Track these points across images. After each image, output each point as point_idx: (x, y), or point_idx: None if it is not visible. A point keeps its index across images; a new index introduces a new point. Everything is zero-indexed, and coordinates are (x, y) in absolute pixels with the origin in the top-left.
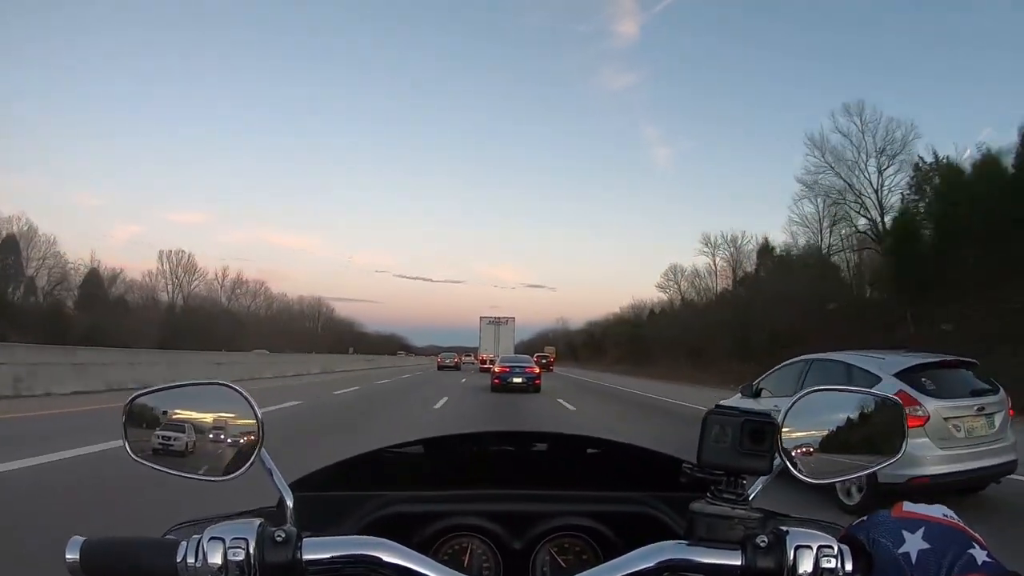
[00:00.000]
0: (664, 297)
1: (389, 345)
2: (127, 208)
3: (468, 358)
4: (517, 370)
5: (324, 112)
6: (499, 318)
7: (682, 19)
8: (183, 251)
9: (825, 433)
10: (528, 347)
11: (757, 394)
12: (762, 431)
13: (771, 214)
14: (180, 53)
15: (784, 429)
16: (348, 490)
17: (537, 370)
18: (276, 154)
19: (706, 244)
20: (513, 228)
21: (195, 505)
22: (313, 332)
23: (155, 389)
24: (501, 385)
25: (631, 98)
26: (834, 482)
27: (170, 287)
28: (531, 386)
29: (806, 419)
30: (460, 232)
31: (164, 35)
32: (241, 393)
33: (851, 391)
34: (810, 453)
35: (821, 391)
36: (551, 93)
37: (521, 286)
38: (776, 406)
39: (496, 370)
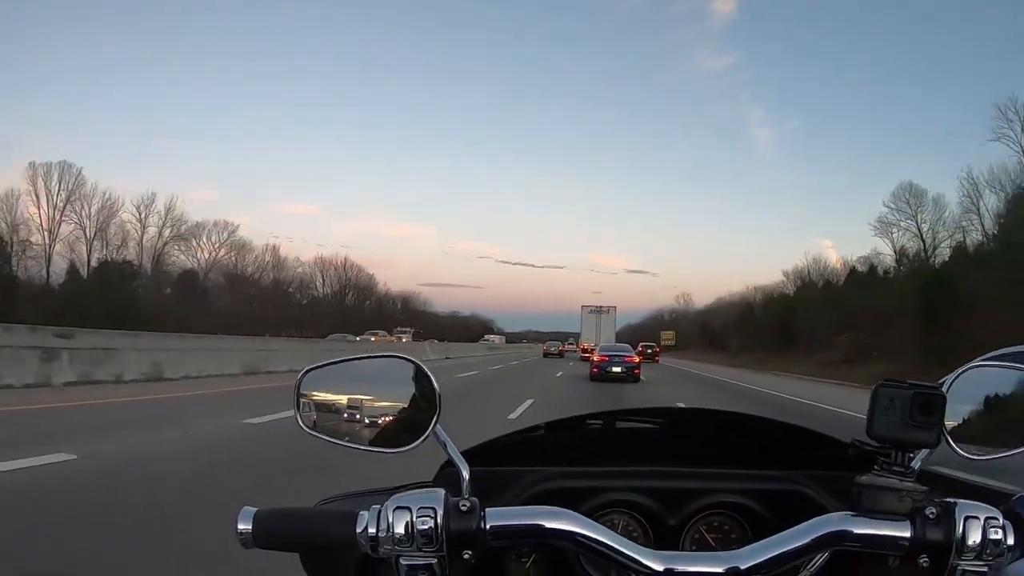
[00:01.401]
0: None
1: (473, 329)
2: (240, 201)
3: (571, 346)
4: (616, 359)
5: (430, 104)
6: (600, 307)
7: None
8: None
9: (987, 408)
10: (635, 334)
11: None
12: (932, 403)
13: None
14: (299, 55)
15: (948, 403)
16: (506, 466)
17: (637, 359)
18: (380, 146)
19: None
20: (614, 213)
21: (332, 482)
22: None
23: (329, 362)
24: (600, 375)
25: (731, 79)
26: (993, 459)
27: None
28: (630, 375)
29: (969, 393)
30: (562, 218)
31: (280, 38)
32: (419, 365)
33: (1015, 367)
34: (971, 428)
35: (986, 366)
36: (649, 75)
37: (623, 271)
38: None
39: (595, 359)
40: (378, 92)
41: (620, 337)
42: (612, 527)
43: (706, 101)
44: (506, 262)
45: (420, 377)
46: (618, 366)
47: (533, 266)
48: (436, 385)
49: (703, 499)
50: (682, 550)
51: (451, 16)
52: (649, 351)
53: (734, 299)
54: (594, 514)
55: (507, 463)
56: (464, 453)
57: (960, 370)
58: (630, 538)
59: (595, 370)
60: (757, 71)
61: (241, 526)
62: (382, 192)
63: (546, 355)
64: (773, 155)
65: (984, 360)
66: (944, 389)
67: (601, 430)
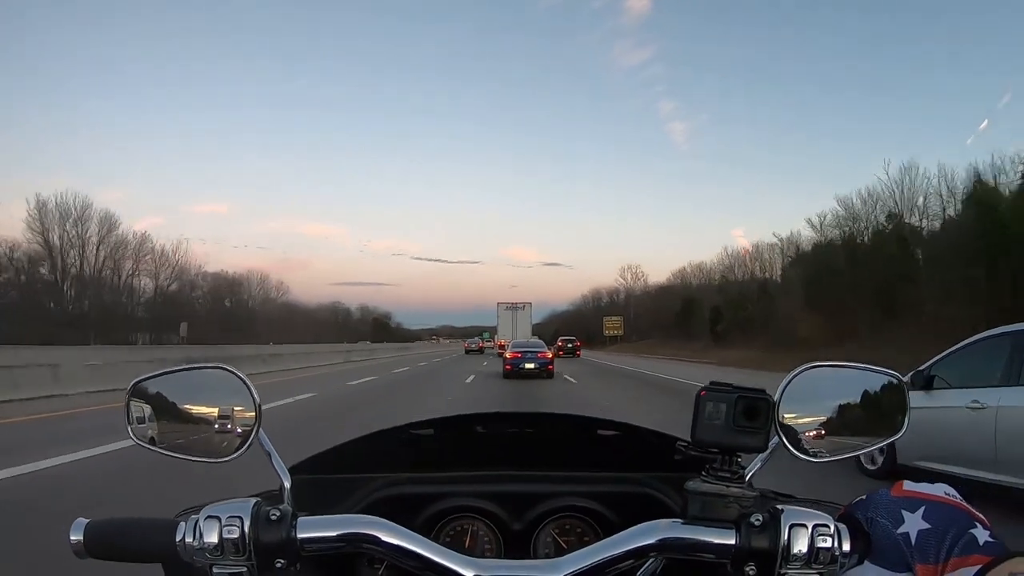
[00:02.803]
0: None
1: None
2: (148, 202)
3: (488, 343)
4: (529, 355)
5: (338, 101)
6: (516, 303)
7: None
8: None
9: (824, 410)
10: (565, 325)
11: (928, 384)
12: (756, 407)
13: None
14: (198, 51)
15: (782, 406)
16: (350, 472)
17: (550, 355)
18: (291, 145)
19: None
20: (528, 208)
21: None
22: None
23: (156, 374)
24: (513, 371)
25: (645, 73)
26: (831, 461)
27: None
28: (544, 371)
29: (805, 396)
30: (475, 214)
31: (184, 33)
32: (239, 376)
33: (852, 367)
34: (809, 431)
35: (820, 367)
36: (565, 71)
37: (538, 264)
38: (976, 403)
39: (507, 356)
40: (289, 88)
41: (547, 329)
42: (462, 533)
43: (621, 95)
44: (420, 258)
45: (242, 387)
46: (531, 362)
47: (447, 262)
48: (256, 395)
49: (550, 503)
50: (533, 555)
51: (361, 6)
52: (570, 345)
53: (672, 283)
54: (440, 520)
55: (358, 469)
56: (308, 461)
57: (794, 372)
58: (481, 544)
59: (508, 367)
60: (670, 66)
61: (73, 537)
62: (297, 192)
63: (467, 351)
64: (686, 147)
65: (818, 363)
66: (777, 392)
67: (458, 435)
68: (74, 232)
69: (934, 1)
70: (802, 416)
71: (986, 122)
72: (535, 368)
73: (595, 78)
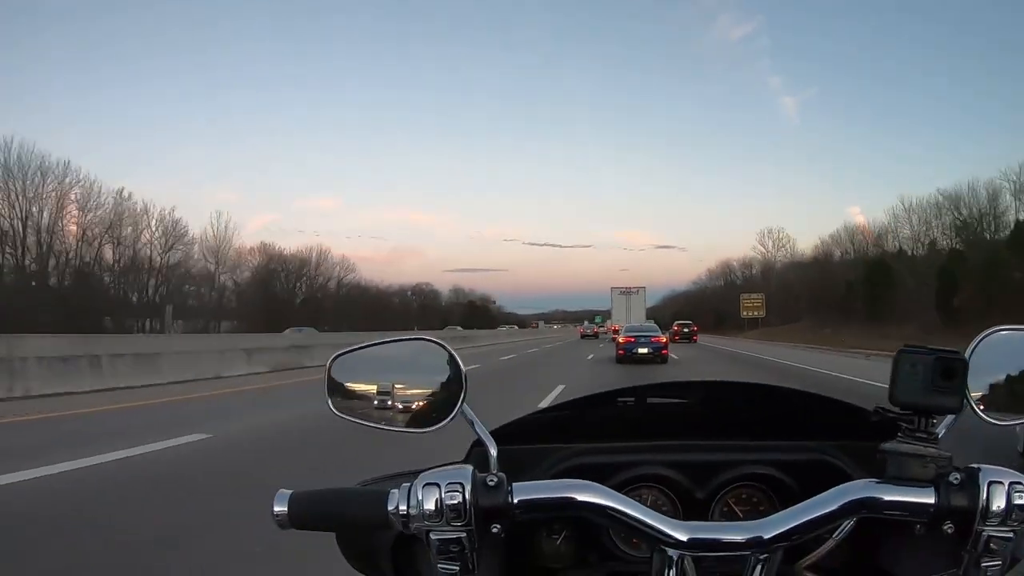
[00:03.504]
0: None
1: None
2: (260, 199)
3: (601, 328)
4: (643, 340)
5: (448, 89)
6: (629, 288)
7: None
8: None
9: (1009, 373)
10: (680, 308)
11: None
12: (953, 367)
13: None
14: (314, 48)
15: (970, 369)
16: (534, 443)
17: (664, 339)
18: (403, 135)
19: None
20: (640, 190)
21: (377, 466)
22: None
23: (357, 347)
24: (626, 356)
25: (751, 47)
26: (1018, 423)
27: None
28: (658, 356)
29: (990, 359)
30: (585, 198)
31: (300, 29)
32: (444, 347)
33: None
34: (993, 394)
35: (1005, 330)
36: (670, 47)
37: (651, 247)
38: None
39: (620, 340)
40: (396, 77)
41: (664, 312)
42: (641, 501)
43: (728, 69)
44: (533, 243)
45: (446, 358)
46: (645, 347)
47: (559, 246)
48: (462, 365)
49: (730, 472)
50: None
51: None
52: (686, 330)
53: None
54: (623, 489)
55: (536, 441)
56: (493, 433)
57: (982, 335)
58: (659, 511)
59: (620, 352)
60: (776, 39)
61: (277, 508)
62: (404, 180)
63: (583, 336)
64: (797, 122)
65: (1006, 327)
66: (966, 355)
67: (629, 406)
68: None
69: None
70: (987, 379)
71: None
72: (649, 353)
73: (698, 53)
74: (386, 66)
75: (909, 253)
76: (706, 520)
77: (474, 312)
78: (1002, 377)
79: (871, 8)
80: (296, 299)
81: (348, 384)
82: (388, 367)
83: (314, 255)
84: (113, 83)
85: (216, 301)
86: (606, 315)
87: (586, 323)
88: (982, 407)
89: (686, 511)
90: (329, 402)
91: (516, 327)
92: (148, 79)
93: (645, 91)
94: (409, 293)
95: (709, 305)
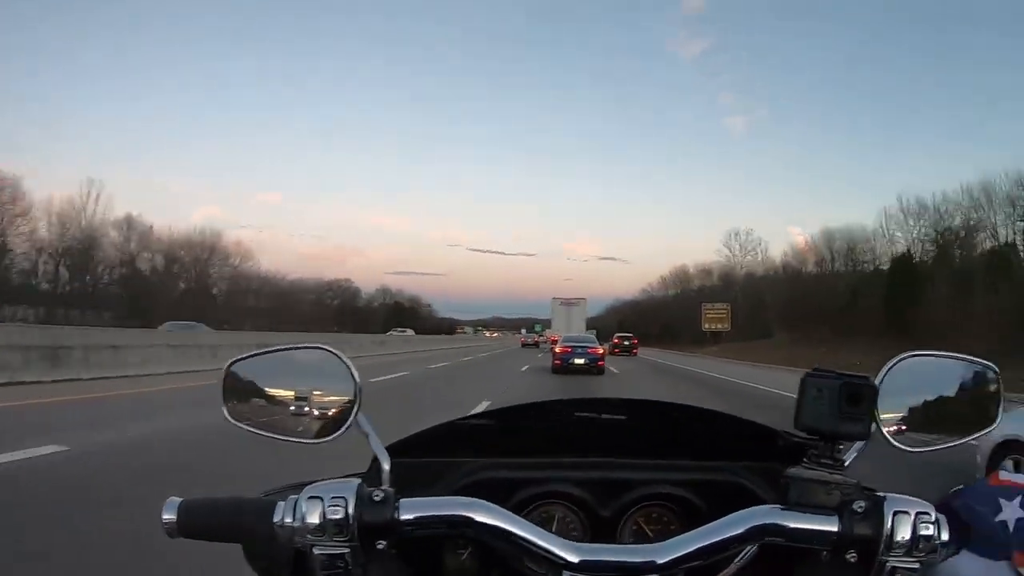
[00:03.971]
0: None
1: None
2: (208, 191)
3: (541, 337)
4: (579, 350)
5: (399, 91)
6: (571, 299)
7: None
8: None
9: (919, 399)
10: (605, 321)
11: None
12: (861, 394)
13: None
14: (276, 47)
15: (880, 394)
16: (437, 457)
17: (601, 351)
18: (351, 134)
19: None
20: (586, 202)
21: (289, 474)
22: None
23: (253, 354)
24: (562, 366)
25: (703, 65)
26: (928, 451)
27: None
28: (594, 368)
29: (902, 384)
30: (533, 207)
31: (243, 26)
32: (339, 356)
33: (948, 356)
34: (905, 420)
35: (917, 356)
36: (623, 63)
37: (594, 258)
38: None
39: (557, 351)
40: (349, 78)
41: (608, 322)
42: (549, 519)
43: (679, 89)
44: (476, 250)
45: (342, 368)
46: (581, 358)
47: (503, 253)
48: (357, 376)
49: (638, 490)
50: (619, 542)
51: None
52: (626, 343)
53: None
54: (528, 505)
55: (445, 454)
56: (400, 443)
57: (894, 360)
58: (567, 530)
59: (557, 362)
60: (728, 58)
61: (166, 516)
62: (354, 181)
63: (524, 345)
64: (746, 142)
65: (918, 352)
66: (877, 380)
67: (543, 421)
68: None
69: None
70: (898, 404)
71: None
72: (585, 364)
73: (655, 70)
74: (337, 66)
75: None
76: (613, 540)
77: (402, 314)
78: (916, 402)
79: (823, 30)
80: (175, 290)
81: (244, 391)
82: (285, 375)
83: (204, 238)
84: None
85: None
86: (546, 324)
87: (524, 331)
88: (894, 433)
89: (594, 530)
90: (224, 409)
91: (412, 331)
92: (87, 74)
93: (596, 104)
94: (328, 291)
95: (660, 316)
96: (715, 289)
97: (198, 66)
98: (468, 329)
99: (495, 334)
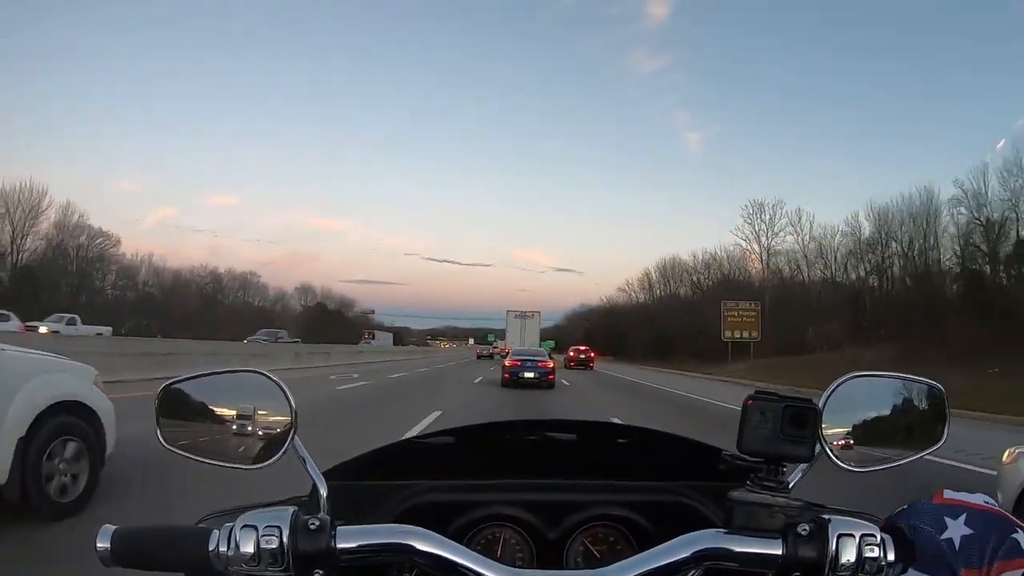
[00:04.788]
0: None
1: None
2: (162, 193)
3: (495, 348)
4: (529, 364)
5: (357, 99)
6: (525, 312)
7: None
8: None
9: (866, 420)
10: (566, 332)
11: None
12: (804, 416)
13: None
14: (216, 42)
15: (824, 416)
16: (379, 480)
17: (551, 364)
18: (308, 140)
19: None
20: (542, 213)
21: (230, 496)
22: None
23: (189, 376)
24: (511, 380)
25: (661, 82)
26: (874, 471)
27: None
28: (544, 382)
29: (846, 405)
30: (489, 217)
31: (195, 25)
32: (275, 381)
33: (892, 376)
34: (851, 440)
35: (862, 376)
36: (581, 77)
37: (550, 270)
38: None
39: (506, 364)
40: (303, 82)
41: (570, 331)
42: (495, 542)
43: (636, 103)
44: (432, 259)
45: (278, 393)
46: (531, 371)
47: (459, 263)
48: (292, 401)
49: (584, 512)
50: (565, 564)
51: (372, 7)
52: (582, 356)
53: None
54: (473, 528)
55: (388, 476)
56: (342, 466)
57: (837, 382)
58: (513, 553)
59: (506, 376)
60: (686, 75)
61: (100, 544)
62: (309, 187)
63: (479, 357)
64: (700, 157)
65: (863, 373)
66: (820, 402)
67: (488, 443)
68: None
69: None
70: (844, 425)
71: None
72: (535, 378)
73: (611, 84)
74: (294, 69)
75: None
76: (559, 562)
77: (325, 319)
78: (861, 423)
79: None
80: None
81: (179, 414)
82: (220, 399)
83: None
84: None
85: None
86: (500, 334)
87: (471, 341)
88: (841, 454)
89: (540, 552)
90: (158, 433)
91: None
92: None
93: (555, 117)
94: (238, 289)
95: (641, 323)
96: (733, 284)
97: (159, 66)
98: (372, 336)
99: (447, 345)
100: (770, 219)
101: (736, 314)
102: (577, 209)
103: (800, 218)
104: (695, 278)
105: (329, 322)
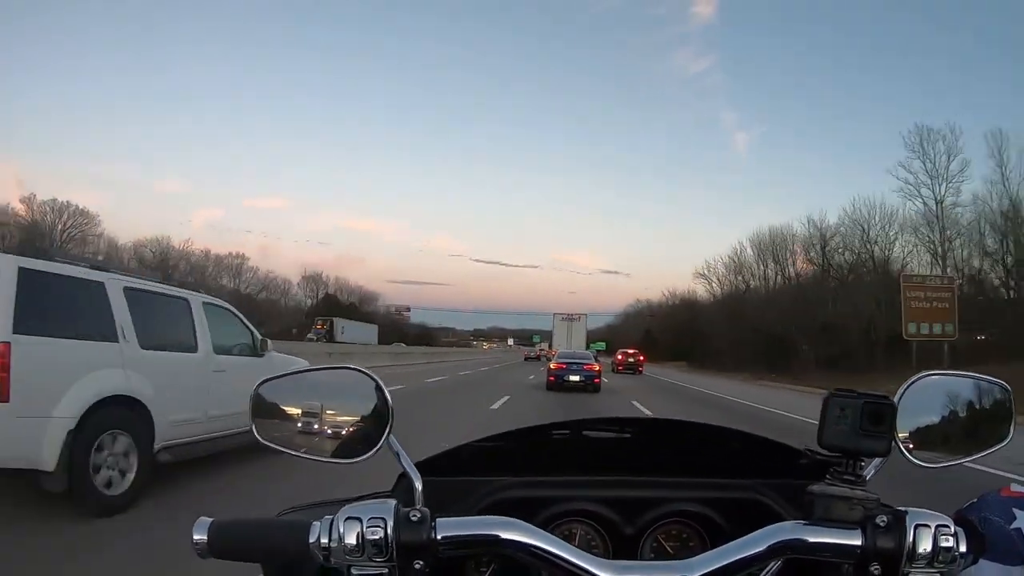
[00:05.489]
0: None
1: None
2: (209, 194)
3: (542, 350)
4: (575, 367)
5: (406, 102)
6: (571, 315)
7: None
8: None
9: (937, 417)
10: (613, 333)
11: None
12: (882, 412)
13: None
14: (265, 48)
15: (899, 412)
16: (464, 475)
17: (597, 367)
18: (357, 142)
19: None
20: (590, 214)
21: (300, 493)
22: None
23: (283, 374)
24: (556, 383)
25: (707, 82)
26: (945, 466)
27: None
28: (590, 385)
29: (920, 403)
30: (536, 219)
31: (252, 33)
32: (371, 377)
33: (963, 375)
34: (923, 437)
35: (935, 375)
36: (628, 78)
37: (597, 272)
38: None
39: (552, 367)
40: (349, 83)
41: (614, 333)
42: (571, 536)
43: (682, 103)
44: (479, 260)
45: (374, 389)
46: (576, 375)
47: (507, 264)
48: (388, 396)
49: (660, 508)
50: (640, 559)
51: (428, 10)
52: (631, 360)
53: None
54: (551, 523)
55: (467, 473)
56: (423, 463)
57: (911, 380)
58: (589, 547)
59: (551, 379)
60: (732, 75)
61: (196, 536)
62: (356, 187)
63: (527, 359)
64: (747, 157)
65: (936, 371)
66: (895, 399)
67: (563, 440)
68: None
69: None
70: (917, 422)
71: None
72: (580, 381)
73: (656, 84)
74: (346, 77)
75: None
76: (635, 556)
77: (332, 313)
78: (932, 420)
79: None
80: None
81: (274, 410)
82: (315, 395)
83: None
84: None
85: None
86: (545, 335)
87: (511, 342)
88: (912, 450)
89: (615, 546)
90: (254, 427)
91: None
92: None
93: (601, 118)
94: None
95: (735, 316)
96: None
97: (206, 73)
98: (325, 327)
99: (488, 346)
100: (947, 153)
101: (923, 297)
102: (624, 211)
103: (1002, 148)
104: (813, 252)
105: (342, 317)
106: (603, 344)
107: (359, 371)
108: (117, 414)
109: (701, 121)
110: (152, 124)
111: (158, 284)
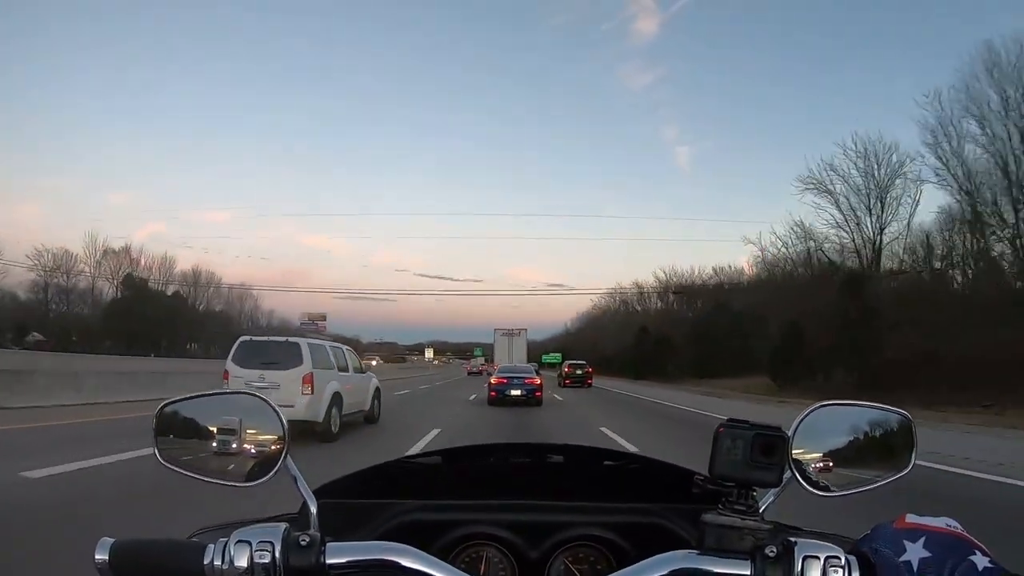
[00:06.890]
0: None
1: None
2: (151, 208)
3: (484, 365)
4: (516, 381)
5: (348, 114)
6: (512, 329)
7: (701, 16)
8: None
9: (836, 447)
10: (575, 341)
11: None
12: (773, 444)
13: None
14: (208, 58)
15: (795, 443)
16: (367, 498)
17: (538, 381)
18: (299, 156)
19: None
20: (535, 228)
21: (221, 511)
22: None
23: (185, 397)
24: (498, 399)
25: (651, 97)
26: (843, 495)
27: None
28: (532, 399)
29: (817, 433)
30: (481, 235)
31: (192, 39)
32: (267, 402)
33: (862, 405)
34: (821, 467)
35: (832, 405)
36: (572, 92)
37: (543, 284)
38: None
39: (492, 381)
40: (293, 98)
41: (545, 348)
42: (478, 560)
43: (627, 118)
44: (424, 275)
45: (270, 413)
46: (517, 389)
47: (452, 279)
48: (284, 421)
49: (565, 532)
50: None
51: (365, 23)
52: (578, 372)
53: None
54: (456, 547)
55: (375, 495)
56: (331, 484)
57: (808, 410)
58: (496, 572)
59: (492, 394)
60: (675, 90)
61: (99, 556)
62: (300, 202)
63: (470, 373)
64: (689, 172)
65: (833, 401)
66: (791, 429)
67: (475, 464)
68: None
69: None
70: (814, 452)
71: None
72: (522, 395)
73: (601, 100)
74: (287, 85)
75: None
76: None
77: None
78: (831, 449)
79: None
80: None
81: (177, 432)
82: (215, 419)
83: None
84: None
85: None
86: (489, 350)
87: (472, 361)
88: (810, 480)
89: (522, 571)
90: (156, 451)
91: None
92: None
93: (547, 133)
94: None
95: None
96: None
97: (146, 79)
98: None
99: (438, 360)
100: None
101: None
102: (570, 224)
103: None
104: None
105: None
106: (558, 356)
107: (256, 396)
108: (337, 399)
109: (645, 136)
110: (94, 131)
111: (335, 342)
